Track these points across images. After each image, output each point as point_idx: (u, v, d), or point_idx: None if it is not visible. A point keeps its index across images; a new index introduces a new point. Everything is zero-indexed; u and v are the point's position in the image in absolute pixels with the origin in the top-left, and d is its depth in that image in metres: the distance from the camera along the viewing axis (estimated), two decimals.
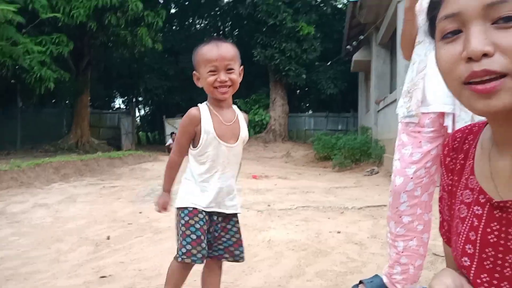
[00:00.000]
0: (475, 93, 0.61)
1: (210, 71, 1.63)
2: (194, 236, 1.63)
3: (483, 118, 0.73)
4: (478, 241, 0.69)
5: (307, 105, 22.69)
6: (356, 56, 12.80)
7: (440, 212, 0.88)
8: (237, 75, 1.66)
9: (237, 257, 1.77)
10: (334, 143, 10.40)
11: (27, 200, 4.80)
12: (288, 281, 2.37)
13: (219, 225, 1.73)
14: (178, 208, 1.71)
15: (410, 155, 1.89)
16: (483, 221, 0.70)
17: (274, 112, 17.17)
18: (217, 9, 21.79)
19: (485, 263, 0.68)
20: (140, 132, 26.09)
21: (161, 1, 17.22)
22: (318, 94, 19.21)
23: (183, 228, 1.65)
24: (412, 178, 1.87)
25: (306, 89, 20.24)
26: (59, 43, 11.18)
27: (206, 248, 1.66)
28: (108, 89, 21.84)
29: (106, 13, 11.71)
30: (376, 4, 9.33)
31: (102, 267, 2.60)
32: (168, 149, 15.82)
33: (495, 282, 0.67)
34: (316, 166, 10.90)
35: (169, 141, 16.43)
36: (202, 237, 1.64)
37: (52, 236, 3.34)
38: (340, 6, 18.63)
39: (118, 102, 26.59)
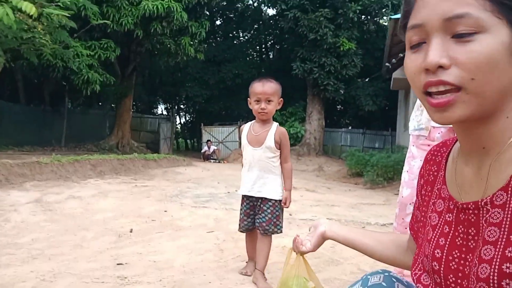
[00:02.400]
0: (431, 106, 0.64)
1: (256, 100, 2.38)
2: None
3: None
4: (446, 246, 0.72)
5: (346, 121, 22.47)
6: (396, 74, 12.60)
7: (414, 209, 0.93)
8: (273, 106, 2.39)
9: (267, 231, 2.38)
10: (368, 159, 10.25)
11: (62, 192, 5.09)
12: None
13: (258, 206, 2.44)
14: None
15: (419, 168, 1.91)
16: (453, 226, 0.73)
17: (310, 126, 17.14)
18: (260, 22, 22.16)
19: (450, 264, 0.71)
20: (180, 139, 26.74)
21: (207, 13, 17.77)
22: (356, 110, 18.98)
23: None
24: None
25: (345, 104, 20.07)
26: (107, 48, 11.80)
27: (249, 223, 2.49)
28: (151, 95, 22.61)
29: (153, 22, 12.23)
30: None
31: (120, 255, 2.74)
32: (203, 156, 16.13)
33: (459, 281, 0.70)
34: (347, 182, 10.77)
35: (204, 148, 16.72)
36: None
37: (80, 225, 3.55)
38: (385, 23, 18.44)
39: (161, 108, 27.46)
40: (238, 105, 19.53)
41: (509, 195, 0.64)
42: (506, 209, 0.64)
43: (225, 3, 20.72)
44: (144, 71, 18.91)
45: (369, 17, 17.37)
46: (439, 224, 0.76)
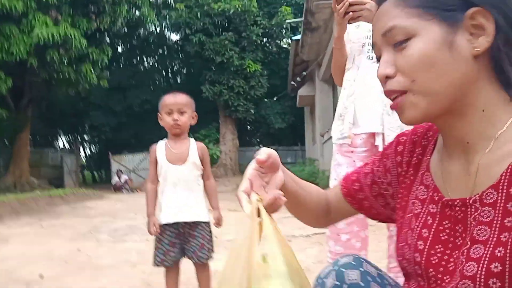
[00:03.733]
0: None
1: (167, 113, 2.16)
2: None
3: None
4: (429, 238, 0.72)
5: (258, 140, 23.00)
6: (301, 92, 13.29)
7: (365, 174, 0.90)
8: (187, 118, 2.19)
9: (201, 259, 2.17)
10: None
11: None
12: None
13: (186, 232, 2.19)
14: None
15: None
16: (437, 219, 0.72)
17: (225, 146, 17.24)
18: (164, 47, 21.93)
19: (432, 258, 0.71)
20: (86, 171, 25.03)
21: (108, 41, 17.12)
22: (267, 128, 19.59)
23: None
24: None
25: (255, 123, 20.59)
26: None
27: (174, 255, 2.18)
28: (50, 127, 20.94)
29: (48, 50, 11.40)
30: (316, 43, 9.84)
31: None
32: (115, 187, 15.26)
33: (439, 276, 0.69)
34: None
35: (115, 178, 15.84)
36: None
37: None
38: (285, 46, 19.42)
39: (62, 141, 25.52)
40: (149, 131, 18.87)
41: (499, 194, 0.63)
42: (497, 208, 0.63)
43: (126, 30, 20.18)
44: (41, 103, 17.45)
45: (270, 39, 18.16)
46: (422, 214, 0.75)
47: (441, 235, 0.71)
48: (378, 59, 0.72)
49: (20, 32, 10.78)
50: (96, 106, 19.17)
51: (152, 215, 2.17)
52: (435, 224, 0.72)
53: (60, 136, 24.63)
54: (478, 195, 0.66)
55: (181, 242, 2.19)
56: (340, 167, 2.01)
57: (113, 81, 17.16)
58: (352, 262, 0.75)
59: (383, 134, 1.91)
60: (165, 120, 2.18)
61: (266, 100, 18.91)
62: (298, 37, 10.99)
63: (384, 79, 0.69)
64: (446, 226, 0.71)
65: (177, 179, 2.18)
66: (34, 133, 16.69)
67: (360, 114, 1.98)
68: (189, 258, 2.22)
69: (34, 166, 16.39)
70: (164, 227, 2.16)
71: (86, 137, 24.50)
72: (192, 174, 2.21)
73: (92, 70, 13.04)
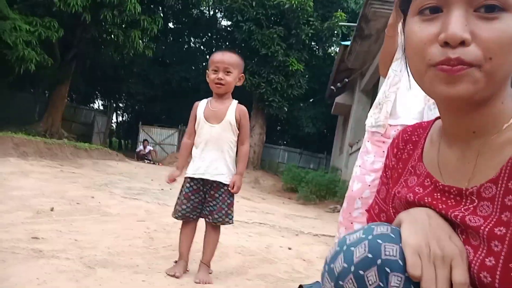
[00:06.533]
0: (440, 74, 0.59)
1: (213, 70, 2.15)
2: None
3: None
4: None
5: (285, 141, 22.88)
6: (339, 99, 13.09)
7: (377, 192, 0.88)
8: (232, 78, 2.17)
9: (216, 221, 2.15)
10: (303, 176, 10.44)
11: None
12: (227, 276, 2.30)
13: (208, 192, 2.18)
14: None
15: (372, 163, 1.90)
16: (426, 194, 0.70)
17: (251, 139, 17.19)
18: (214, 31, 22.09)
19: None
20: (113, 138, 25.55)
21: (161, 14, 17.37)
22: (296, 130, 19.42)
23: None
24: (369, 185, 1.87)
25: (286, 123, 20.46)
26: (49, 27, 10.99)
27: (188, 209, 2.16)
28: (89, 86, 21.47)
29: (103, 8, 11.66)
30: (364, 51, 9.65)
31: (36, 230, 2.46)
32: (137, 155, 15.50)
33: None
34: (281, 196, 10.86)
35: (140, 147, 16.10)
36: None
37: None
38: (332, 54, 19.20)
39: (98, 103, 26.16)
40: (181, 109, 19.11)
41: (498, 188, 0.61)
42: (495, 202, 0.61)
43: (180, 7, 20.42)
44: (86, 60, 17.89)
45: (319, 42, 17.97)
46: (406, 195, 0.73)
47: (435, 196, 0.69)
48: (433, 10, 0.61)
49: None
50: (136, 75, 19.50)
51: (178, 168, 2.21)
52: (427, 191, 0.71)
53: (96, 97, 25.24)
54: (476, 188, 0.63)
55: (198, 199, 2.18)
56: (368, 155, 1.94)
57: (157, 54, 17.41)
58: (391, 234, 0.63)
59: None
60: (210, 77, 2.17)
61: (301, 102, 18.75)
62: (348, 42, 10.82)
63: (458, 43, 0.58)
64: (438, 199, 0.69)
65: (210, 137, 2.17)
66: (73, 88, 17.12)
67: (400, 105, 1.91)
68: (204, 218, 2.19)
69: (67, 119, 16.87)
70: (187, 180, 2.19)
71: (120, 105, 25.00)
72: (225, 134, 2.18)
73: (140, 37, 13.26)
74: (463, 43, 0.58)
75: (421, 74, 0.63)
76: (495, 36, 0.57)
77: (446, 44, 0.59)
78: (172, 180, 2.19)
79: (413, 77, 0.67)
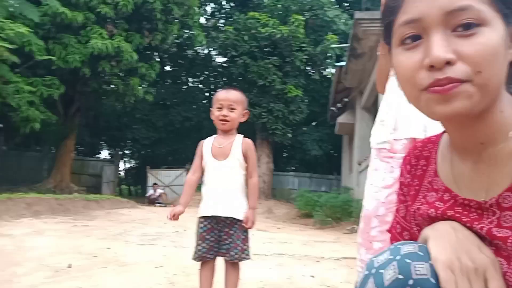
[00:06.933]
0: (434, 96, 0.61)
1: (217, 108, 2.18)
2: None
3: None
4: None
5: (293, 167, 22.85)
6: (341, 119, 13.14)
7: (396, 211, 0.88)
8: (237, 115, 2.20)
9: (233, 258, 2.12)
10: (316, 200, 10.35)
11: None
12: None
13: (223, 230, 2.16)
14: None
15: (383, 180, 1.89)
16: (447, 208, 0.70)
17: (259, 169, 17.19)
18: (210, 68, 22.54)
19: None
20: (122, 185, 25.64)
21: (157, 59, 17.79)
22: (303, 155, 19.42)
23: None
24: (384, 202, 1.86)
25: (292, 149, 20.49)
26: (50, 85, 11.28)
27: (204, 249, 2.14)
28: (94, 137, 21.79)
29: (101, 61, 11.98)
30: (360, 70, 9.77)
31: None
32: (149, 200, 15.50)
33: None
34: (297, 223, 10.74)
35: (150, 191, 16.12)
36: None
37: (10, 261, 3.17)
38: (329, 76, 19.44)
39: (104, 153, 26.44)
40: (186, 148, 19.25)
41: None
42: None
43: (175, 49, 20.94)
44: (89, 113, 18.25)
45: (314, 66, 18.23)
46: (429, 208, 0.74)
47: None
48: (413, 38, 0.63)
49: (77, 42, 11.41)
50: (139, 120, 19.79)
51: (181, 204, 2.17)
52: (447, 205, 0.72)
53: (102, 147, 25.55)
54: (494, 199, 0.64)
55: (214, 238, 2.15)
56: (377, 171, 1.93)
57: (157, 97, 17.73)
58: (419, 252, 0.63)
59: None
60: (214, 114, 2.20)
61: (304, 126, 18.83)
62: (342, 63, 10.97)
63: (444, 64, 0.60)
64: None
65: (218, 174, 2.17)
66: (78, 141, 17.36)
67: (402, 119, 1.91)
68: (223, 256, 2.17)
69: (75, 173, 17.02)
70: (200, 220, 2.18)
71: (126, 151, 25.25)
72: (234, 170, 2.18)
73: (139, 83, 13.55)
74: (449, 63, 0.60)
75: (416, 99, 0.65)
76: (478, 50, 0.59)
77: (432, 67, 0.60)
78: (173, 216, 2.13)
79: (410, 103, 0.69)
